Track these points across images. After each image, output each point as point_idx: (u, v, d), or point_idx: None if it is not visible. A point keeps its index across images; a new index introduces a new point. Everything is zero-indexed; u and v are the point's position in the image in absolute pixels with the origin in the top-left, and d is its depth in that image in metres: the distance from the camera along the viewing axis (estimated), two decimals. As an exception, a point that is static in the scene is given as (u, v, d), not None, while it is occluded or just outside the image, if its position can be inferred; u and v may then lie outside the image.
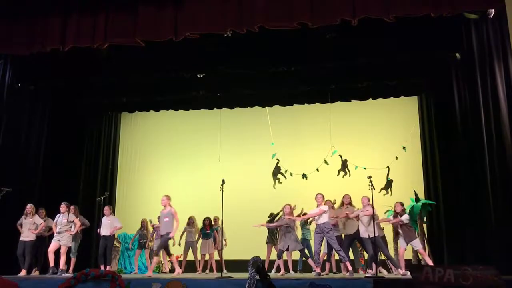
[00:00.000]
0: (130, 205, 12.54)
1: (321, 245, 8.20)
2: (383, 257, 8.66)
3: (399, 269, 8.06)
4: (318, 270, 8.05)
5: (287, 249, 8.43)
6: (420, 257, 8.87)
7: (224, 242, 9.93)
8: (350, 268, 7.96)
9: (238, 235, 10.49)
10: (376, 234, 7.74)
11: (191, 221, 10.28)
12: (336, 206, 9.03)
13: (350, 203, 8.63)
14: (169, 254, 8.74)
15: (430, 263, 8.06)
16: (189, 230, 10.22)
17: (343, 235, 8.77)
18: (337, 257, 9.05)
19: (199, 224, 10.34)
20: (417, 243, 8.23)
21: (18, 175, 9.60)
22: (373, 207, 7.79)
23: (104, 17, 7.97)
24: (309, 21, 7.34)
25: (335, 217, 8.52)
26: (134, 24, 7.83)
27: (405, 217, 8.18)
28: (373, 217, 7.83)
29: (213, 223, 10.27)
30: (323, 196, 8.30)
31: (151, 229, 10.36)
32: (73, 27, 8.05)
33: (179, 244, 10.21)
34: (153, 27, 7.81)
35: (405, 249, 8.31)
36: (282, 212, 9.38)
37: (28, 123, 10.22)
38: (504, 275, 5.54)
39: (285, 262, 9.58)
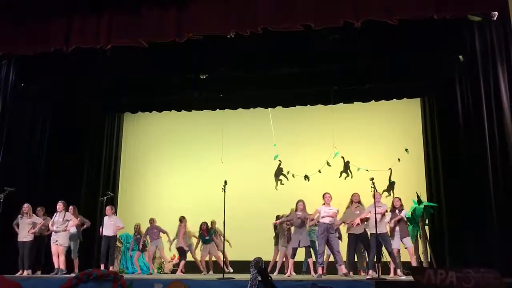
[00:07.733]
0: (132, 206, 12.54)
1: (325, 246, 8.17)
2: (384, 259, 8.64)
3: (398, 270, 8.04)
4: (321, 271, 8.03)
5: (299, 245, 8.35)
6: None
7: (228, 243, 9.95)
8: (345, 271, 8.00)
9: (240, 236, 10.47)
10: (384, 231, 7.77)
11: (182, 221, 10.22)
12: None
13: (359, 202, 8.42)
14: None
15: (414, 264, 8.24)
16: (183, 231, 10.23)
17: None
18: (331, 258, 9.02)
19: (189, 224, 10.28)
20: (408, 241, 8.30)
21: (21, 175, 9.63)
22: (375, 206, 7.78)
23: (107, 18, 7.97)
24: (312, 23, 7.33)
25: (347, 222, 8.33)
26: (137, 25, 7.83)
27: (404, 213, 8.29)
28: (384, 214, 7.87)
29: (209, 226, 10.18)
30: (331, 196, 8.27)
31: (143, 232, 10.30)
32: (77, 27, 8.05)
33: (169, 247, 10.20)
34: (157, 28, 7.81)
35: (399, 249, 8.31)
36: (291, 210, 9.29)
37: (31, 123, 10.25)
38: (506, 277, 5.54)
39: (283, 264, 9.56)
